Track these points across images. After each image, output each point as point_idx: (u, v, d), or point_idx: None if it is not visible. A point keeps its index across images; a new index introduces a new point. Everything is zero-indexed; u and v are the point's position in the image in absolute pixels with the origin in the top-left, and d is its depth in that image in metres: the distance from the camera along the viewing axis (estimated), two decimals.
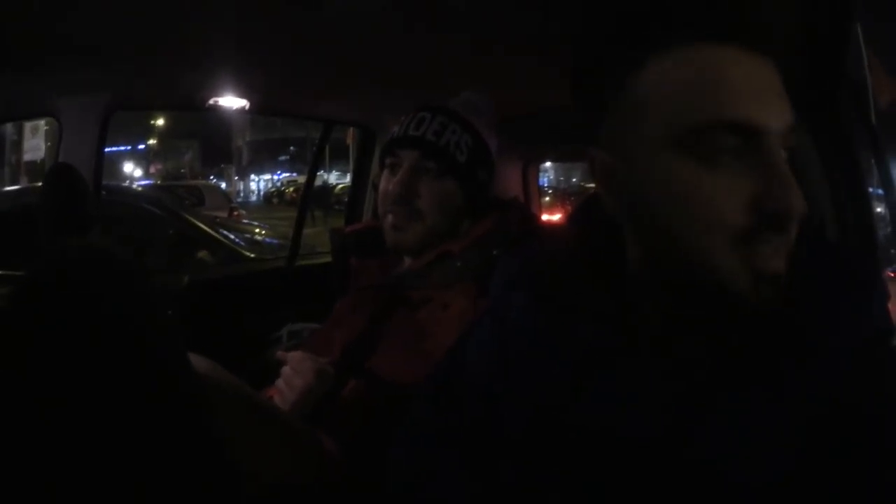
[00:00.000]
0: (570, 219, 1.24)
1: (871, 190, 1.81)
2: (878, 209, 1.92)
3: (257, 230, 11.72)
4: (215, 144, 53.93)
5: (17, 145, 21.91)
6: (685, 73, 0.93)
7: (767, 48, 0.94)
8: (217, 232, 7.82)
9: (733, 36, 0.93)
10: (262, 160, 58.84)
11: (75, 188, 2.30)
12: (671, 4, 0.97)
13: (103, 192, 2.90)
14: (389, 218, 1.95)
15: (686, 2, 0.96)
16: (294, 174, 51.34)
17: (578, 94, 1.10)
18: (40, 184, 2.46)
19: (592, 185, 1.11)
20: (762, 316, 0.92)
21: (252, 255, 7.58)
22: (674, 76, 0.93)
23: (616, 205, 1.05)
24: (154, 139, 52.86)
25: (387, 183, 1.97)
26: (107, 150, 2.85)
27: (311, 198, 4.71)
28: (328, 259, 2.46)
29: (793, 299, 0.93)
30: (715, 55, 0.92)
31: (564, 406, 1.06)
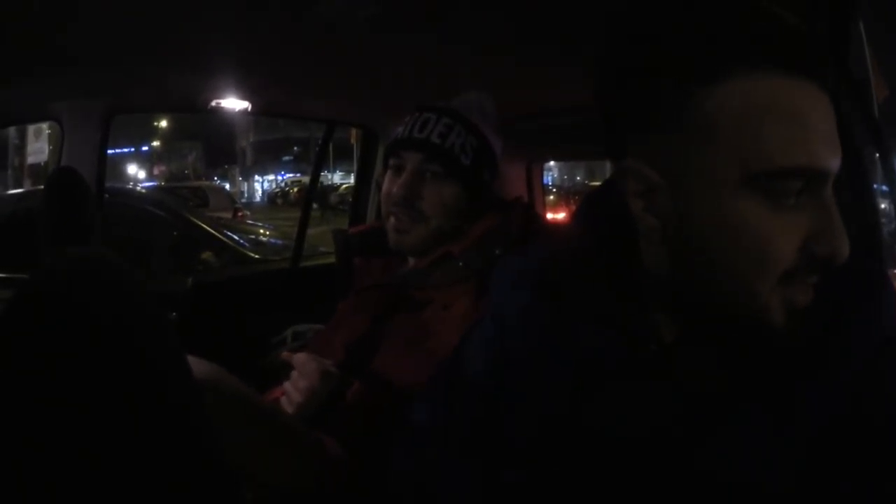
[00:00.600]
0: (574, 218, 1.22)
1: (874, 186, 1.80)
2: (883, 205, 1.92)
3: (262, 231, 11.72)
4: (219, 145, 54.08)
5: (20, 148, 21.92)
6: (765, 106, 0.86)
7: (831, 83, 0.90)
8: (221, 233, 7.82)
9: (812, 70, 0.88)
10: (265, 161, 58.98)
11: (77, 191, 2.30)
12: (759, 22, 0.88)
13: (106, 195, 2.90)
14: (392, 219, 1.95)
15: (774, 24, 0.90)
16: (298, 174, 51.44)
17: (615, 98, 1.00)
18: (43, 187, 2.46)
19: (596, 183, 1.08)
20: (787, 344, 0.92)
21: (256, 256, 7.58)
22: (752, 106, 0.87)
23: (654, 222, 0.99)
24: (157, 141, 53.03)
25: (390, 184, 1.96)
26: (109, 152, 2.85)
27: (315, 198, 4.71)
28: (332, 259, 2.46)
29: (809, 318, 0.92)
30: (793, 90, 0.87)
31: (567, 411, 1.05)
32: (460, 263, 1.84)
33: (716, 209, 0.90)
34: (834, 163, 0.88)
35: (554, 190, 25.24)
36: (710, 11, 0.90)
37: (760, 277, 0.89)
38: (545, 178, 4.18)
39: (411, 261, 2.01)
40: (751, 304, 0.91)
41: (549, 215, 5.97)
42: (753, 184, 0.87)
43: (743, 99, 0.87)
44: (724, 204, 0.89)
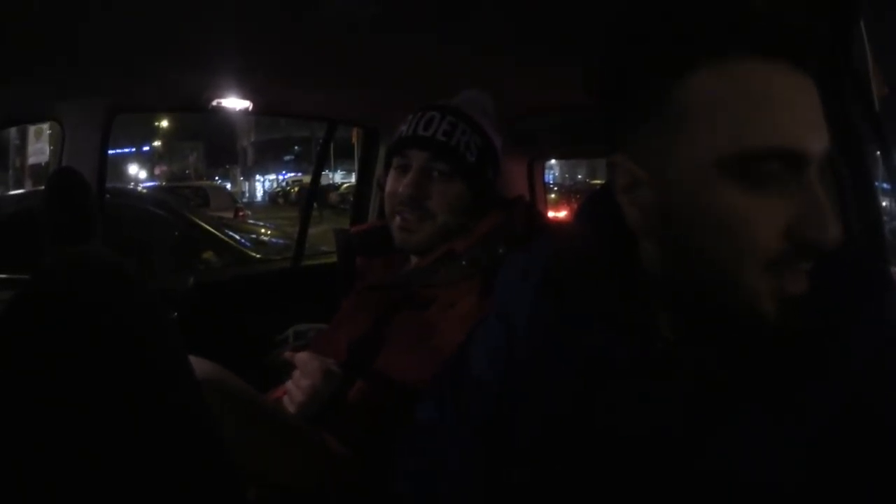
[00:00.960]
0: (577, 217, 1.22)
1: (876, 184, 1.79)
2: (885, 203, 1.91)
3: (263, 230, 11.72)
4: (220, 145, 54.09)
5: (21, 149, 21.88)
6: (737, 90, 0.88)
7: (811, 65, 0.91)
8: (222, 233, 7.80)
9: (786, 52, 0.88)
10: (266, 160, 58.96)
11: (78, 192, 2.30)
12: (727, 9, 0.90)
13: (107, 195, 2.90)
14: (398, 219, 1.94)
15: (741, 10, 0.92)
16: (299, 174, 51.40)
17: (603, 96, 1.03)
18: (44, 187, 2.46)
19: (598, 181, 1.08)
20: (782, 337, 0.91)
21: (258, 256, 7.58)
22: (725, 92, 0.88)
23: (639, 216, 1.00)
24: (158, 141, 53.04)
25: (396, 183, 1.95)
26: (110, 152, 2.85)
27: (317, 197, 4.72)
28: (334, 259, 2.46)
29: (806, 311, 0.91)
30: (767, 72, 0.88)
31: (570, 409, 1.05)
32: (464, 262, 1.84)
33: (693, 197, 0.91)
34: (814, 145, 0.88)
35: (556, 188, 25.17)
36: (676, 5, 0.92)
37: (744, 264, 0.89)
38: (546, 176, 4.17)
39: (414, 259, 2.00)
40: (738, 293, 0.90)
41: (551, 214, 5.97)
42: (728, 168, 0.87)
43: (714, 85, 0.88)
44: (701, 191, 0.90)
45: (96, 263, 0.99)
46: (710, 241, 0.90)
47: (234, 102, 2.93)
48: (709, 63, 0.89)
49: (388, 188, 1.99)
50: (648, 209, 0.98)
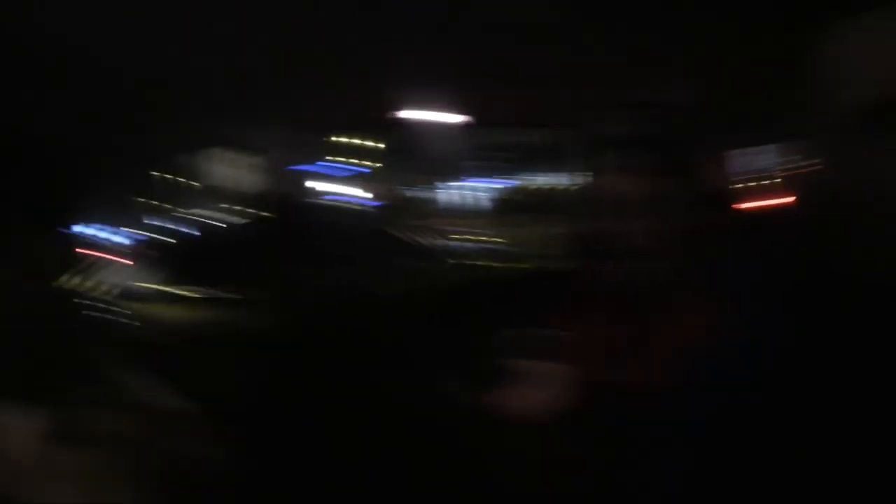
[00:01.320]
0: (793, 210, 1.21)
1: None
2: None
3: (477, 238, 11.85)
4: (428, 156, 55.04)
5: (194, 172, 22.71)
6: (874, 43, 0.88)
7: None
8: (439, 242, 7.93)
9: None
10: (475, 168, 59.61)
11: (298, 215, 2.41)
12: None
13: (319, 212, 3.01)
14: (617, 220, 1.90)
15: None
16: (511, 180, 51.61)
17: (772, 78, 1.07)
18: (240, 208, 2.58)
19: (794, 170, 1.07)
20: None
21: (476, 263, 7.65)
22: (863, 46, 0.89)
23: (828, 192, 0.99)
24: (364, 159, 54.43)
25: (611, 184, 1.93)
26: (316, 170, 2.97)
27: (529, 202, 4.79)
28: (551, 264, 2.49)
29: None
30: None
31: (797, 415, 1.04)
32: (684, 262, 1.82)
33: (845, 157, 0.92)
34: None
35: (779, 173, 24.33)
36: None
37: None
38: (766, 161, 4.14)
39: (637, 264, 1.98)
40: None
41: (751, 204, 5.83)
42: (870, 119, 0.86)
43: (853, 42, 0.91)
44: (850, 146, 0.90)
45: (346, 288, 1.05)
46: (870, 200, 0.89)
47: (444, 116, 2.99)
48: (846, 23, 0.91)
49: (604, 189, 1.98)
50: (831, 183, 0.98)
